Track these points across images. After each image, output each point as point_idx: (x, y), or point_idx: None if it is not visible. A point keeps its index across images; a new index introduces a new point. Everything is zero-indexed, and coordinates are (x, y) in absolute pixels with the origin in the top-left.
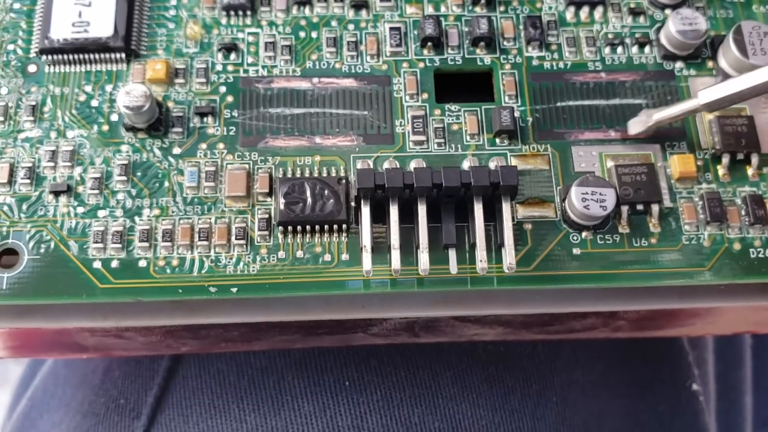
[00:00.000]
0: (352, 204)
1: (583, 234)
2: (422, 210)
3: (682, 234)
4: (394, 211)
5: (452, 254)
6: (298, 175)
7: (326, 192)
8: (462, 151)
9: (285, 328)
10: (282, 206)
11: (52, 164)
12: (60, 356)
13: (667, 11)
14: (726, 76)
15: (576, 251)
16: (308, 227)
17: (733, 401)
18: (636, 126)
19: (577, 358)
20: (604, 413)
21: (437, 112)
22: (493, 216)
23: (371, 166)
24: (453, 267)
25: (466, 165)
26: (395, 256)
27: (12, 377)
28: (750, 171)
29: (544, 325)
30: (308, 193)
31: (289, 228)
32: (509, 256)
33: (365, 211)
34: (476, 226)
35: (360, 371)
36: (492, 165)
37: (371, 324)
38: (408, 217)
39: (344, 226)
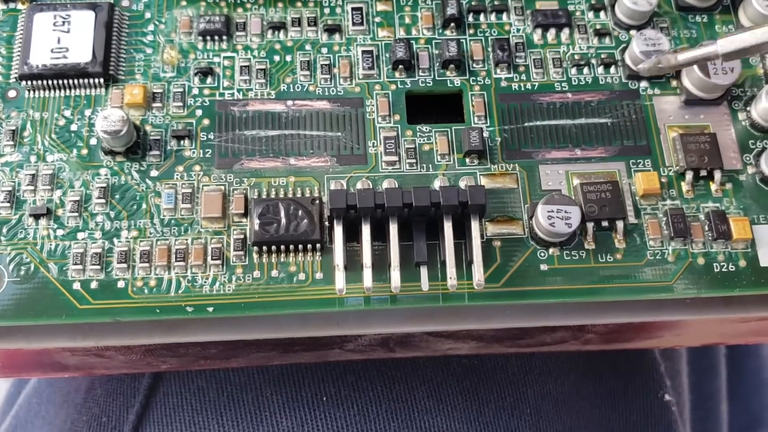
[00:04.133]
0: (326, 224)
1: (551, 250)
2: (394, 229)
3: (647, 249)
4: (366, 231)
5: (424, 272)
6: (272, 195)
7: (300, 212)
8: (433, 171)
9: (262, 346)
10: (257, 227)
11: (32, 188)
12: (42, 376)
13: (632, 32)
14: (689, 95)
15: (543, 267)
16: (283, 247)
17: (708, 411)
18: (646, 64)
19: (549, 370)
20: (578, 424)
21: (409, 133)
22: (463, 234)
23: (344, 187)
24: (425, 284)
25: (437, 184)
26: (367, 274)
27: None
28: (713, 187)
29: (515, 339)
30: (282, 214)
31: (264, 248)
32: (478, 273)
33: (338, 230)
34: (446, 244)
35: (337, 386)
36: (462, 184)
37: (347, 340)
38: (380, 236)
39: (318, 245)
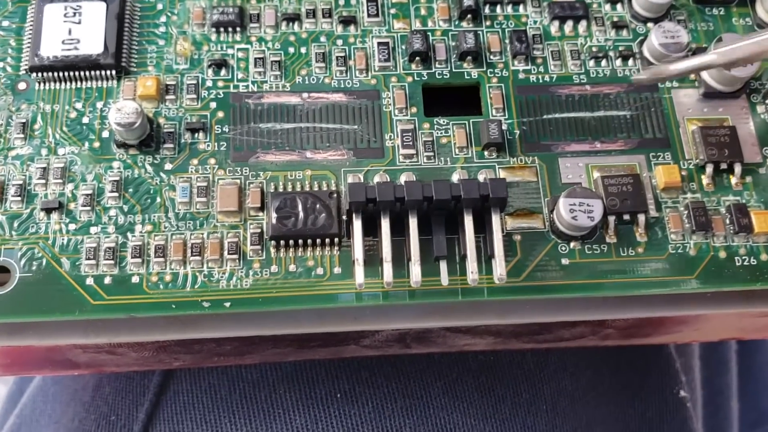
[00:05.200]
0: (344, 218)
1: (572, 244)
2: (413, 223)
3: (668, 243)
4: (385, 225)
5: (443, 266)
6: (289, 189)
7: (318, 206)
8: (451, 164)
9: (278, 342)
10: (274, 220)
11: (43, 181)
12: (52, 373)
13: (650, 25)
14: (708, 87)
15: (565, 261)
16: (300, 241)
17: (719, 406)
18: (644, 74)
19: (566, 366)
20: (594, 420)
21: (426, 125)
22: (483, 228)
23: (362, 180)
24: (444, 279)
25: (455, 178)
26: (387, 269)
27: (0, 394)
28: (733, 180)
29: (533, 335)
30: (300, 208)
31: (282, 242)
32: (500, 268)
33: (357, 224)
34: (467, 238)
35: (351, 383)
36: (481, 177)
37: (363, 336)
38: (399, 230)
39: (336, 239)
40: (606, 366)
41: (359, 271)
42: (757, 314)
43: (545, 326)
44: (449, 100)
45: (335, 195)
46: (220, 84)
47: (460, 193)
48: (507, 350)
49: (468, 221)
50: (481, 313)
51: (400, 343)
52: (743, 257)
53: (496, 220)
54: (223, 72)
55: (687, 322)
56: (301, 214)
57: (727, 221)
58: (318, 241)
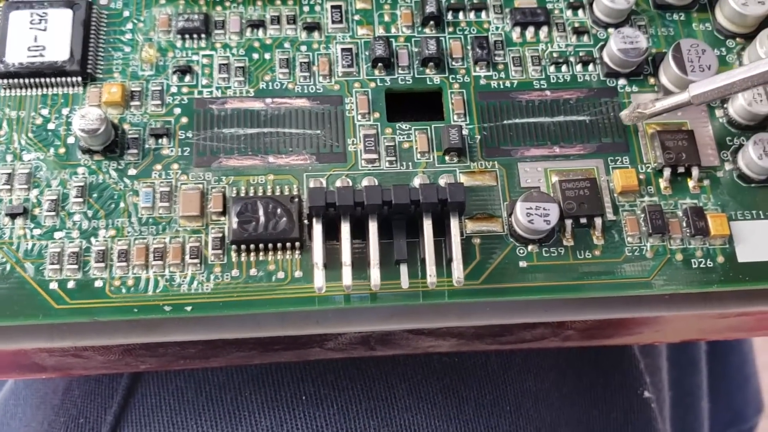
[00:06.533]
0: (305, 222)
1: (529, 247)
2: (373, 227)
3: (625, 246)
4: (345, 229)
5: (404, 269)
6: (251, 194)
7: (279, 210)
8: (413, 169)
9: (242, 345)
10: (235, 225)
11: (8, 187)
12: (19, 377)
13: (610, 30)
14: (667, 92)
15: (522, 264)
16: (261, 245)
17: (689, 407)
18: (628, 119)
19: (529, 367)
20: (558, 421)
21: (388, 130)
22: (443, 231)
23: (324, 185)
24: (405, 282)
25: (416, 182)
26: (347, 272)
27: None
28: (691, 184)
29: (495, 336)
30: (261, 212)
31: (243, 246)
32: (457, 271)
33: (317, 228)
34: (426, 242)
35: (317, 385)
36: (441, 182)
37: (327, 339)
38: (360, 234)
39: (297, 243)
40: (570, 367)
41: (319, 275)
42: (716, 316)
43: (506, 328)
44: (412, 105)
45: (296, 199)
46: (185, 90)
47: (419, 198)
48: (471, 352)
49: (427, 225)
50: (442, 316)
51: (364, 345)
52: (700, 260)
53: (454, 224)
54: (187, 78)
55: (647, 324)
56: (262, 219)
57: (684, 224)
58: (279, 245)
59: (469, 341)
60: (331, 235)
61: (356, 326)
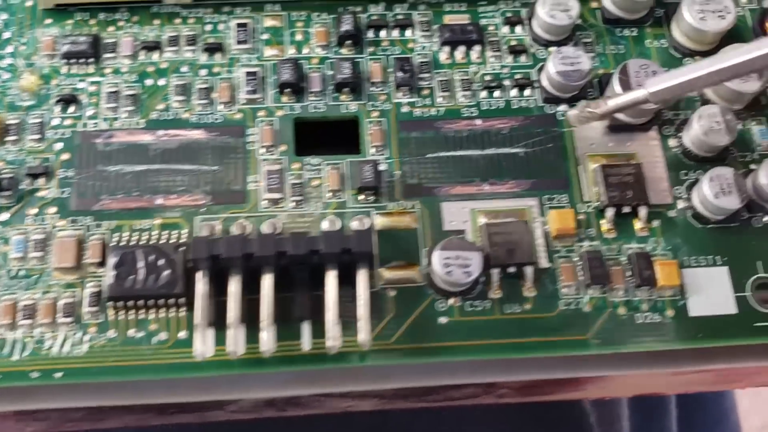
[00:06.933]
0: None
1: (451, 300)
2: (267, 282)
3: (559, 298)
4: (234, 285)
5: (306, 328)
6: (135, 241)
7: (161, 261)
8: (322, 210)
9: (131, 408)
10: (111, 279)
11: None
12: None
13: (552, 49)
14: (614, 120)
15: (442, 320)
16: (141, 302)
17: None
18: (576, 120)
19: (462, 427)
20: None
21: (296, 165)
22: (353, 282)
23: (217, 230)
24: (306, 343)
25: (325, 225)
26: (230, 335)
27: None
28: (638, 225)
29: (421, 395)
30: (141, 264)
31: (120, 303)
32: (362, 332)
33: (200, 284)
34: (328, 297)
35: None
36: (354, 224)
37: (226, 403)
38: (257, 287)
39: (182, 300)
40: (510, 423)
41: (199, 337)
42: (669, 374)
43: (430, 388)
44: (325, 136)
45: (183, 248)
46: (68, 122)
47: (319, 248)
48: (397, 410)
49: (330, 279)
50: (354, 379)
51: (271, 407)
52: (646, 314)
53: (362, 277)
54: (71, 108)
55: (592, 381)
56: (142, 272)
57: (628, 273)
58: (161, 301)
59: (392, 400)
60: (223, 288)
61: (253, 393)
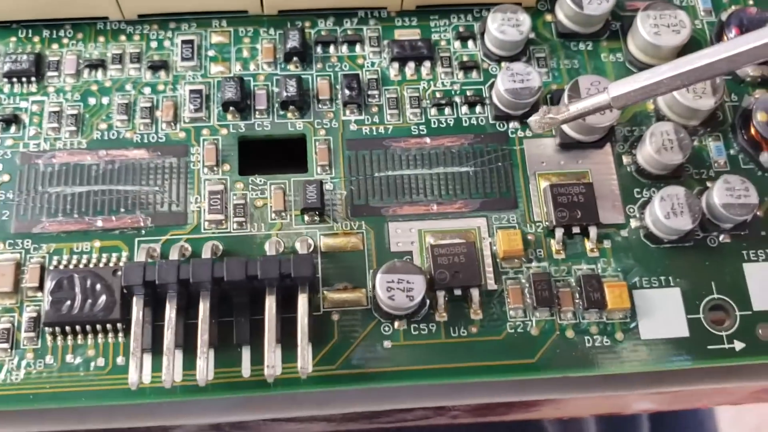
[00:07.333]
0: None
1: (396, 324)
2: (204, 307)
3: (507, 321)
4: (170, 310)
5: (246, 354)
6: (74, 264)
7: (98, 286)
8: (266, 231)
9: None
10: (48, 304)
11: None
12: None
13: (504, 64)
14: (565, 137)
15: (387, 344)
16: (79, 327)
17: None
18: (537, 125)
19: None
20: None
21: (239, 185)
22: (295, 307)
23: (157, 253)
24: (246, 369)
25: (268, 248)
26: (165, 364)
27: None
28: (588, 245)
29: (371, 418)
30: (78, 288)
31: (58, 329)
32: (302, 359)
33: (136, 309)
34: (267, 323)
35: None
36: (298, 246)
37: (170, 428)
38: (197, 312)
39: (119, 325)
40: None
41: (134, 365)
42: (624, 396)
43: (378, 412)
44: (273, 155)
45: (119, 273)
46: (9, 143)
47: (257, 273)
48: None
49: (270, 304)
50: (298, 404)
51: (218, 431)
52: (595, 337)
53: (302, 302)
54: (13, 129)
55: (545, 403)
56: (79, 296)
57: (577, 295)
58: (99, 327)
59: (342, 423)
60: (162, 313)
61: (195, 419)
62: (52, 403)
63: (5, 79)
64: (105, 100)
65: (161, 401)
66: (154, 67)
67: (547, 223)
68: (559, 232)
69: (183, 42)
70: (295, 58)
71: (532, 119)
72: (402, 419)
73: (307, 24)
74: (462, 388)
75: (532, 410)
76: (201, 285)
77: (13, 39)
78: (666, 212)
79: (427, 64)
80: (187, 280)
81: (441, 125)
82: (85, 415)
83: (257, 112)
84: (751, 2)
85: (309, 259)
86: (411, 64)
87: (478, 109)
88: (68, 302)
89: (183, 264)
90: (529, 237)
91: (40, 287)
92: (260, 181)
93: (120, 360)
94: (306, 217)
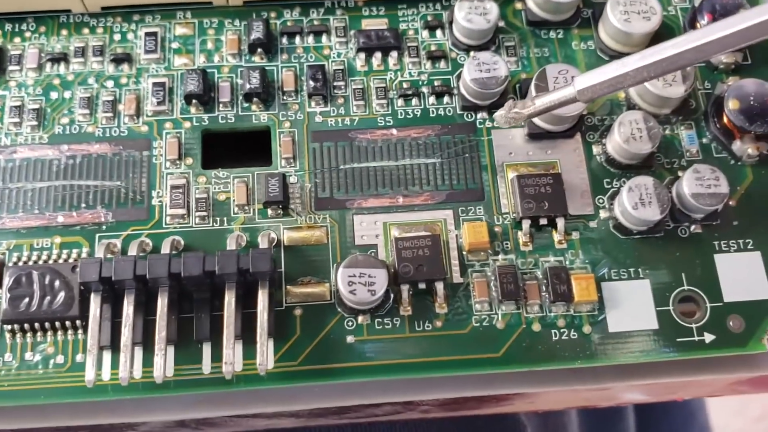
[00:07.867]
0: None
1: (359, 318)
2: (162, 303)
3: (472, 315)
4: (128, 307)
5: (206, 350)
6: (34, 261)
7: (57, 283)
8: (228, 225)
9: (36, 430)
10: (5, 302)
11: None
12: None
13: (472, 53)
14: (533, 127)
15: (350, 339)
16: (37, 325)
17: None
18: (503, 120)
19: None
20: None
21: (202, 179)
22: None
23: (117, 248)
24: (207, 366)
25: (230, 242)
26: (122, 361)
27: None
28: (556, 237)
29: (339, 413)
30: (36, 285)
31: (16, 326)
32: (261, 355)
33: (93, 306)
34: (226, 319)
35: None
36: (261, 240)
37: (135, 425)
38: (154, 309)
39: (78, 322)
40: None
41: (91, 362)
42: (593, 389)
43: (345, 407)
44: (237, 148)
45: (78, 269)
46: None
47: (214, 269)
48: (320, 426)
49: (229, 300)
50: (262, 400)
51: (184, 427)
52: (562, 330)
53: (262, 297)
54: None
55: (516, 396)
56: (38, 293)
57: (544, 288)
58: (57, 324)
59: (310, 418)
60: (121, 309)
61: (158, 415)
62: (10, 401)
63: None
64: (67, 94)
65: (122, 398)
66: (117, 60)
67: (514, 214)
68: (526, 224)
69: (146, 34)
70: (259, 50)
71: (498, 114)
72: (372, 414)
73: (273, 14)
74: (429, 382)
75: (504, 404)
76: (158, 281)
77: None
78: (634, 203)
79: (394, 54)
80: (144, 276)
81: (408, 116)
82: (46, 413)
83: (221, 105)
84: None
85: (267, 253)
86: (378, 55)
87: (446, 99)
88: (27, 299)
89: (140, 260)
90: (496, 229)
91: None
92: (223, 174)
93: (79, 357)
94: (269, 211)
